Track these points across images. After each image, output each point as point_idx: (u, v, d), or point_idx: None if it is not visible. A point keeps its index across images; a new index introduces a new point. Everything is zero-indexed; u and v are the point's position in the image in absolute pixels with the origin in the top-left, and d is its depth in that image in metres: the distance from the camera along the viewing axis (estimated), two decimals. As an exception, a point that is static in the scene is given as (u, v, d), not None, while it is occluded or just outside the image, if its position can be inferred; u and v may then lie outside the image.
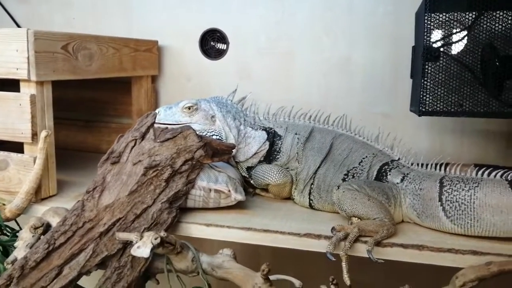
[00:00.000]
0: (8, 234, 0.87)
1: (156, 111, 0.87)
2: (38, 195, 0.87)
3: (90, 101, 1.28)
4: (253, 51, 1.19)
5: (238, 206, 0.86)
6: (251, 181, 0.93)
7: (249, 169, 0.92)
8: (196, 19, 1.22)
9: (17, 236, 0.86)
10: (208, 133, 0.88)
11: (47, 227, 0.78)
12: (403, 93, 1.09)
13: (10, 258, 0.72)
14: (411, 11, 1.02)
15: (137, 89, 1.20)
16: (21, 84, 0.85)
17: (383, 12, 1.10)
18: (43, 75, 0.84)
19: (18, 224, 0.91)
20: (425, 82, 0.80)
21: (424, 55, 0.79)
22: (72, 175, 1.04)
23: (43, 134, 0.85)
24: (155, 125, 0.81)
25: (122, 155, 0.77)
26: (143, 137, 0.78)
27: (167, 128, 0.80)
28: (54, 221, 0.79)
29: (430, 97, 0.80)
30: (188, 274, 0.78)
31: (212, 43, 1.22)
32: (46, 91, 0.87)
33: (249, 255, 1.09)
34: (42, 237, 0.77)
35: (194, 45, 1.23)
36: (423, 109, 0.81)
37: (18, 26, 1.36)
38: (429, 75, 0.80)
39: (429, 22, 0.78)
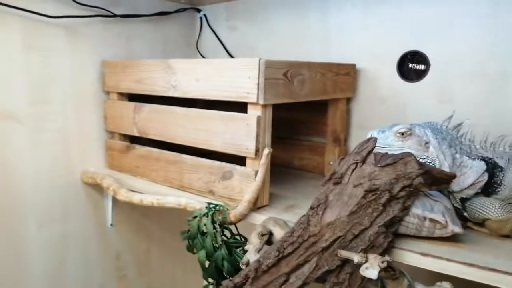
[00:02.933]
0: (227, 236, 1.00)
1: (369, 134, 0.90)
2: (255, 204, 0.99)
3: (286, 120, 1.39)
4: (456, 73, 1.13)
5: (452, 238, 0.83)
6: (464, 213, 0.88)
7: (463, 200, 0.88)
8: (394, 42, 1.22)
9: (236, 239, 0.99)
10: (421, 160, 0.87)
11: (270, 235, 0.87)
12: None
13: (244, 259, 0.82)
14: None
15: (333, 110, 1.26)
16: (249, 106, 0.98)
17: None
18: (268, 99, 0.95)
19: (236, 228, 1.04)
20: None
21: None
22: (275, 188, 1.15)
23: (266, 151, 0.96)
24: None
25: (343, 176, 0.81)
26: (364, 161, 0.81)
27: (386, 153, 0.82)
28: (275, 230, 0.88)
29: None
30: (400, 301, 0.78)
31: (411, 65, 1.20)
32: (268, 113, 0.98)
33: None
34: (265, 245, 0.87)
35: (391, 67, 1.23)
36: None
37: (228, 52, 1.56)
38: None
39: None
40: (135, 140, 1.30)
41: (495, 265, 0.73)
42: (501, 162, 0.86)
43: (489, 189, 0.85)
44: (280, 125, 1.41)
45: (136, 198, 1.12)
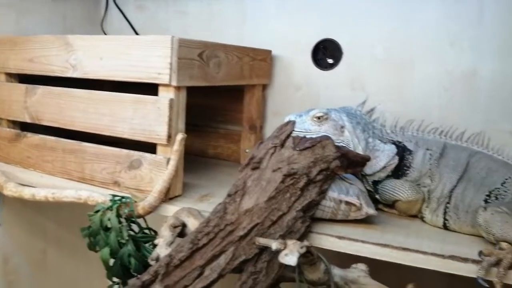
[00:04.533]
0: (135, 230, 0.91)
1: (286, 118, 0.88)
2: (167, 195, 0.91)
3: (200, 107, 1.32)
4: (368, 62, 1.17)
5: (366, 220, 0.84)
6: (376, 196, 0.90)
7: (375, 183, 0.89)
8: (309, 30, 1.22)
9: (145, 233, 0.90)
10: (336, 143, 0.87)
11: (183, 226, 0.81)
12: (534, 110, 1.03)
13: (154, 255, 0.75)
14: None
15: (249, 97, 1.22)
16: (161, 88, 0.89)
17: (514, 22, 1.03)
18: (182, 80, 0.88)
19: (145, 222, 0.95)
20: None
21: None
22: (189, 177, 1.07)
23: (179, 136, 0.89)
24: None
25: (262, 161, 0.78)
26: (282, 145, 0.78)
27: (305, 137, 0.80)
28: (189, 221, 0.81)
29: None
30: (317, 286, 0.77)
31: (325, 53, 1.21)
32: (181, 96, 0.91)
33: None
34: (178, 238, 0.80)
35: (306, 55, 1.23)
36: None
37: (137, 33, 1.44)
38: None
39: None
40: (26, 127, 1.14)
41: (406, 244, 0.75)
42: (410, 146, 0.89)
43: (399, 171, 0.88)
44: (193, 112, 1.33)
45: (26, 193, 0.97)
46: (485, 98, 1.07)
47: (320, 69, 1.23)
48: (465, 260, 0.70)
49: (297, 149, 0.77)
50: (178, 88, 0.89)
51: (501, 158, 0.85)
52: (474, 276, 0.67)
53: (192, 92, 0.94)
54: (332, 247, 0.78)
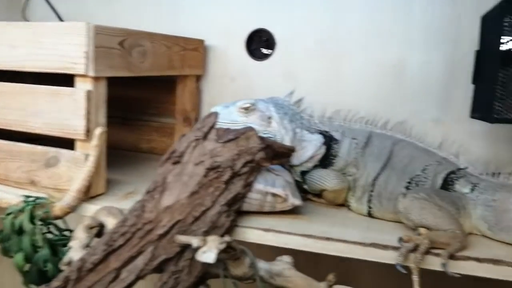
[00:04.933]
0: (55, 233, 0.85)
1: (213, 109, 0.85)
2: (87, 193, 0.85)
3: (131, 99, 1.26)
4: (300, 53, 1.16)
5: (293, 211, 0.83)
6: (305, 186, 0.89)
7: (303, 173, 0.89)
8: (243, 19, 1.20)
9: (64, 235, 0.84)
10: (264, 135, 0.85)
11: (101, 227, 0.76)
12: (456, 98, 1.06)
13: (66, 259, 0.70)
14: (472, 13, 0.99)
15: (182, 88, 1.18)
16: (77, 79, 0.83)
17: (440, 15, 1.06)
18: (100, 70, 0.83)
19: (65, 223, 0.89)
20: (499, 88, 0.76)
21: (500, 61, 0.75)
22: (116, 174, 1.02)
23: (98, 131, 0.83)
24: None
25: (183, 155, 0.74)
26: (205, 137, 0.75)
27: (228, 128, 0.77)
28: (108, 221, 0.77)
29: (505, 104, 0.76)
30: (243, 281, 0.75)
31: (259, 43, 1.19)
32: (101, 87, 0.85)
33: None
34: (95, 238, 0.76)
35: (240, 45, 1.21)
36: (496, 116, 0.76)
37: (62, 21, 1.35)
38: (503, 81, 0.76)
39: (507, 26, 0.74)
40: None
41: (331, 233, 0.75)
42: (336, 135, 0.89)
43: (326, 161, 0.88)
44: (124, 105, 1.28)
45: None
46: (412, 88, 1.10)
47: (254, 60, 1.20)
48: (385, 247, 0.71)
49: (221, 141, 0.74)
50: (96, 78, 0.83)
51: (423, 145, 0.87)
52: (393, 262, 0.68)
53: (119, 84, 0.89)
54: (259, 240, 0.76)
